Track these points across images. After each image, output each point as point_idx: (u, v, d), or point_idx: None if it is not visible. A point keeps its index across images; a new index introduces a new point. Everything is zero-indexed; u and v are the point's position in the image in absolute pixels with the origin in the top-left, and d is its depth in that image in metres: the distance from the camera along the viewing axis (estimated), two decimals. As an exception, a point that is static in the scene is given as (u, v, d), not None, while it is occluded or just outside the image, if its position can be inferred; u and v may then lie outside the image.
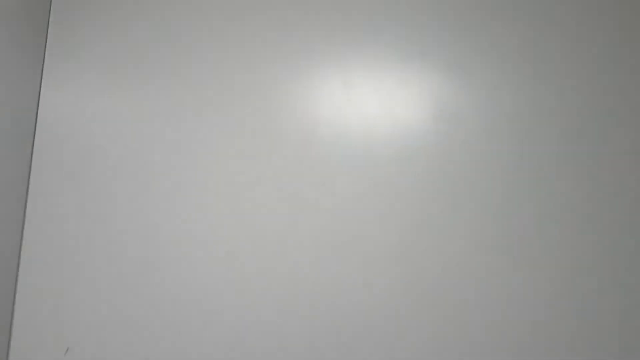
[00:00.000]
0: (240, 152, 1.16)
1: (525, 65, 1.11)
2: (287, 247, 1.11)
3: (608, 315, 1.03)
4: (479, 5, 1.13)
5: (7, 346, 1.17)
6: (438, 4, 1.15)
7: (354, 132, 1.13)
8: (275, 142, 1.15)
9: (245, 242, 1.13)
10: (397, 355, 1.06)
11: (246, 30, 1.21)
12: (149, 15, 1.25)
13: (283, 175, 1.14)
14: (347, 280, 1.09)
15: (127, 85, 1.23)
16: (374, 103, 1.13)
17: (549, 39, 1.11)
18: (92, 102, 1.24)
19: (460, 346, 1.05)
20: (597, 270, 1.04)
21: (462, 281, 1.06)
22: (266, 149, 1.15)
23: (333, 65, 1.16)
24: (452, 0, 1.14)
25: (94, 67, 1.25)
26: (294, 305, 1.10)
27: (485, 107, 1.10)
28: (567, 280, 1.04)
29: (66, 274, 1.17)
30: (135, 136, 1.20)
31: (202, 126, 1.18)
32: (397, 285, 1.07)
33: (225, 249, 1.13)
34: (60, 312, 1.16)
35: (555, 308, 1.04)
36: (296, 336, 1.09)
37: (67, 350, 1.14)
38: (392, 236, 1.09)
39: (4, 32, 1.15)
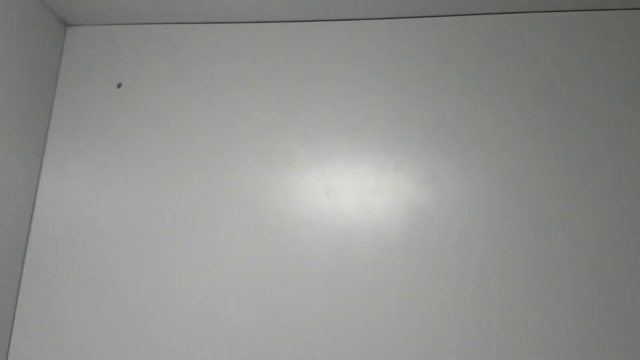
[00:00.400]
0: (224, 251, 1.23)
1: (493, 174, 1.20)
2: (268, 347, 1.16)
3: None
4: (448, 121, 1.25)
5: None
6: (413, 120, 1.26)
7: (333, 234, 1.21)
8: (258, 242, 1.22)
9: (227, 341, 1.17)
10: None
11: (236, 138, 1.31)
12: (143, 123, 1.35)
13: (265, 272, 1.20)
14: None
15: (122, 186, 1.31)
16: (353, 207, 1.22)
17: (517, 151, 1.21)
18: (87, 200, 1.31)
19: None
20: None
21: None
22: (249, 247, 1.22)
23: (316, 172, 1.26)
24: (425, 117, 1.26)
25: (90, 167, 1.33)
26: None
27: (455, 212, 1.19)
28: None
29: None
30: (127, 233, 1.27)
31: (190, 224, 1.26)
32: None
33: (210, 347, 1.18)
34: None
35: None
36: None
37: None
38: (370, 335, 1.14)
39: (6, 131, 1.24)
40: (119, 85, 1.38)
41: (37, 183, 1.34)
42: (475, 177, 1.21)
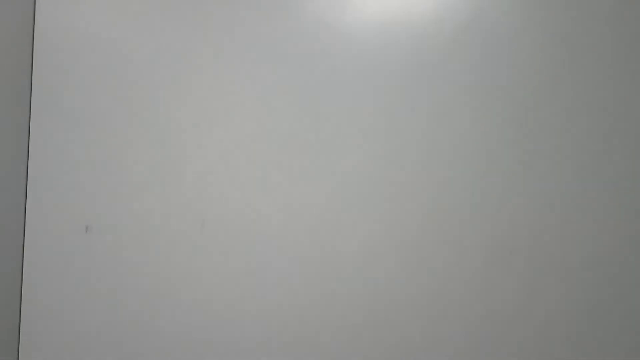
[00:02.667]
0: (241, 66, 1.13)
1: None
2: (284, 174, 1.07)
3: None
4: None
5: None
6: None
7: (358, 39, 1.06)
8: (278, 56, 1.11)
9: (244, 177, 1.08)
10: None
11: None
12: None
13: (289, 84, 1.10)
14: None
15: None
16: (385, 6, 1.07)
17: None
18: (92, 19, 1.18)
19: None
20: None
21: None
22: (267, 63, 1.11)
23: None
24: None
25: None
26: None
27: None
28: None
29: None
30: (135, 54, 1.16)
31: (203, 42, 1.15)
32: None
33: (224, 187, 1.09)
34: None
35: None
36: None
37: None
38: (398, 154, 1.03)
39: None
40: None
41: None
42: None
